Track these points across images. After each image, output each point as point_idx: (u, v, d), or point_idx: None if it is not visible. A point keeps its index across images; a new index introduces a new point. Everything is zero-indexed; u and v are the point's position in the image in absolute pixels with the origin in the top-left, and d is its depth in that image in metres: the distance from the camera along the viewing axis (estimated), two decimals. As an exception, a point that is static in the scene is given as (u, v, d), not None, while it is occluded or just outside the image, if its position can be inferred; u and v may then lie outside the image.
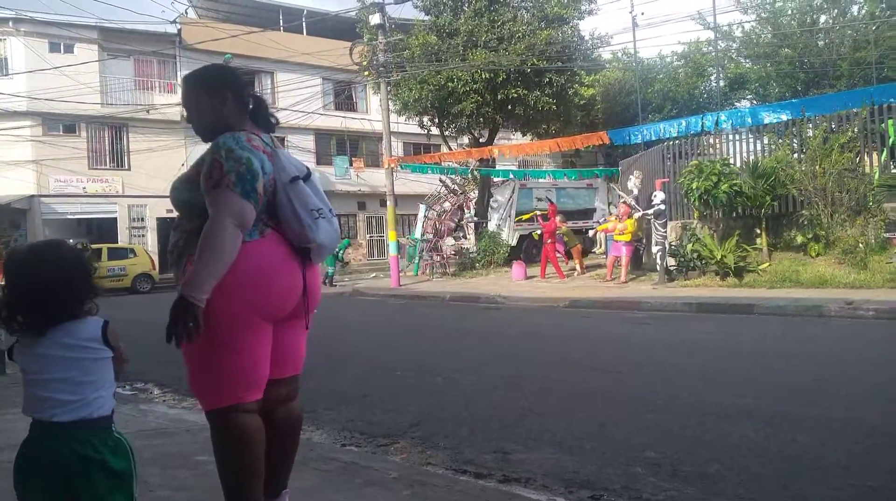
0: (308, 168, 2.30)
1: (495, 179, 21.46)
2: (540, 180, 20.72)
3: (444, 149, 23.05)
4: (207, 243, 1.97)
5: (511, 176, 20.79)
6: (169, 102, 24.84)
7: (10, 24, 22.68)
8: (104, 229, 24.40)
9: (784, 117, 12.77)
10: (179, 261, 2.15)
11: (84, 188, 23.93)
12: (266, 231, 2.13)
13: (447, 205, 20.68)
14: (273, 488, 2.29)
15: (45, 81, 21.75)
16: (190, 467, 3.23)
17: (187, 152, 24.35)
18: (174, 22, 24.99)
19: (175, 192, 2.22)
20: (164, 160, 23.13)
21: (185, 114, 2.36)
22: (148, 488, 2.94)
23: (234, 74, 2.36)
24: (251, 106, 2.30)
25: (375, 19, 17.22)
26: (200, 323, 1.92)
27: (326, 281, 18.01)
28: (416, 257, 19.72)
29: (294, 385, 2.38)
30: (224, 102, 2.22)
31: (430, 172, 21.19)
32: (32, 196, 22.95)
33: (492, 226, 19.53)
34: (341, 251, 19.78)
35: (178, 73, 25.73)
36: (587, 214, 20.71)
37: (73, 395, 1.69)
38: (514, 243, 18.95)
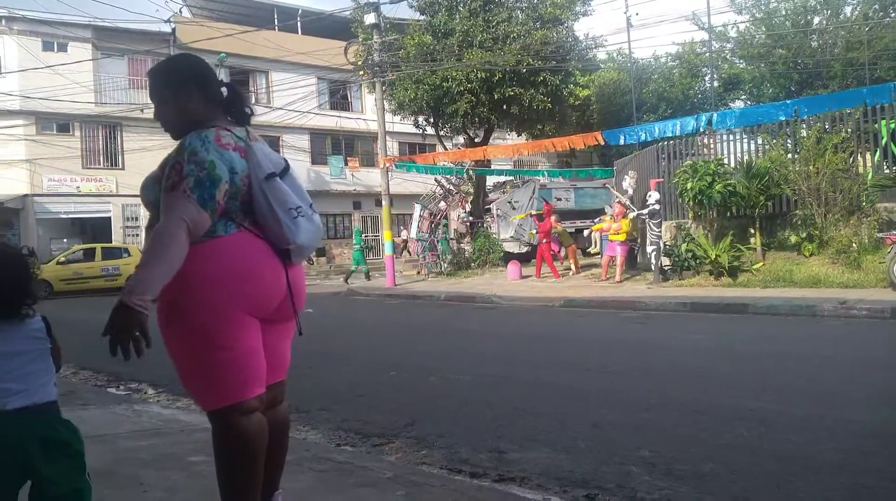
0: (285, 161, 2.19)
1: (516, 180, 21.61)
2: (559, 181, 20.78)
3: (440, 149, 23.08)
4: (154, 248, 1.87)
5: (512, 177, 20.85)
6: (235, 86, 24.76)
7: (3, 22, 22.58)
8: (98, 228, 24.31)
9: (780, 117, 12.81)
10: None
11: (78, 188, 23.84)
12: (242, 227, 2.04)
13: (442, 205, 20.69)
14: (265, 490, 2.28)
15: (38, 80, 21.66)
16: (184, 468, 3.22)
17: (182, 152, 24.30)
18: (168, 21, 24.92)
19: (144, 191, 2.14)
20: (158, 160, 21.58)
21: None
22: (142, 489, 2.93)
23: (199, 66, 2.22)
24: (224, 97, 2.18)
25: (370, 19, 17.21)
26: (147, 331, 1.80)
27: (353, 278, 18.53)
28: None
29: (281, 390, 2.30)
30: (189, 96, 2.12)
31: (426, 172, 21.19)
32: (26, 195, 22.85)
33: (513, 226, 19.48)
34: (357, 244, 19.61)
35: (173, 72, 25.65)
36: (603, 212, 20.79)
37: (23, 383, 1.82)
38: (535, 242, 19.00)
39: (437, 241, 19.71)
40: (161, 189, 1.98)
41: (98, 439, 3.82)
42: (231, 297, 1.98)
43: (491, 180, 26.61)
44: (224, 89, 2.23)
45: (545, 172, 25.67)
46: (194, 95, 2.12)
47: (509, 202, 19.86)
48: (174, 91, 2.13)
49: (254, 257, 2.04)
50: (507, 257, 17.91)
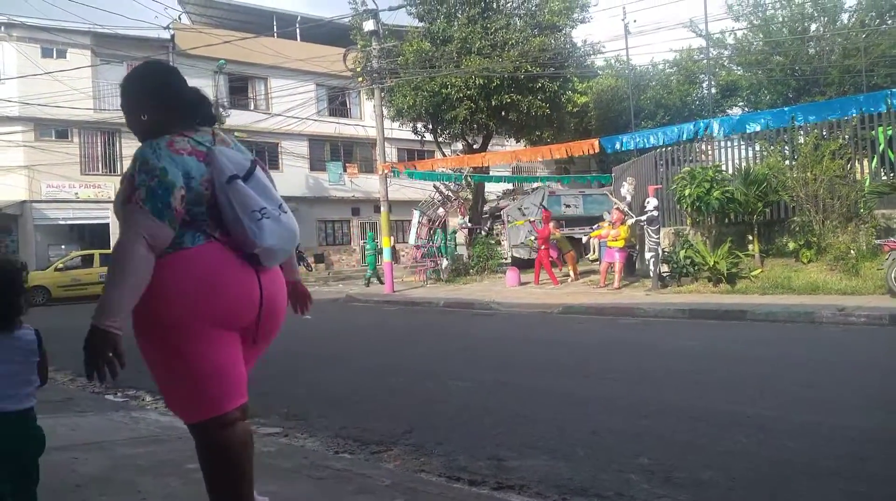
0: (253, 162, 2.13)
1: (526, 186, 21.67)
2: (568, 188, 20.90)
3: (438, 155, 23.11)
4: (114, 267, 1.86)
5: (522, 183, 20.90)
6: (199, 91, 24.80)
7: (3, 29, 22.64)
8: (96, 234, 24.30)
9: (776, 125, 12.86)
10: None
11: (76, 194, 23.84)
12: (212, 237, 2.00)
13: (441, 211, 20.71)
14: None
15: (37, 87, 21.70)
16: (182, 475, 3.21)
17: (180, 158, 24.31)
18: (168, 27, 24.99)
19: (116, 204, 2.08)
20: None
21: None
22: (140, 496, 2.92)
23: (157, 74, 2.20)
24: (189, 101, 2.16)
25: (369, 26, 17.27)
26: (122, 353, 1.81)
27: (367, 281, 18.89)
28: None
29: (246, 406, 2.19)
30: (147, 102, 2.10)
31: (424, 179, 21.23)
32: (24, 202, 22.85)
33: (523, 232, 19.52)
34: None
35: (172, 78, 25.69)
36: (602, 219, 20.90)
37: (14, 389, 2.07)
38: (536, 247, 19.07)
39: (438, 247, 19.74)
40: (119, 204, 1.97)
41: (96, 446, 3.82)
42: (197, 311, 1.94)
43: (500, 187, 26.71)
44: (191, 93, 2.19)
45: (544, 179, 25.76)
46: (151, 103, 2.10)
47: (519, 209, 19.93)
48: (134, 100, 2.13)
49: (219, 270, 1.98)
50: (516, 264, 17.95)
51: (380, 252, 18.55)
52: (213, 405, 2.00)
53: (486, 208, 24.55)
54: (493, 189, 28.59)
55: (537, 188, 21.21)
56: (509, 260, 19.34)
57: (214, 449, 2.03)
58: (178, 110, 2.11)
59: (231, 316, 2.01)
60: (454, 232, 20.87)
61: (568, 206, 19.05)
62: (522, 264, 17.11)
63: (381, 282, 18.58)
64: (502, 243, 20.10)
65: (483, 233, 21.63)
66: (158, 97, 2.11)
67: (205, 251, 1.98)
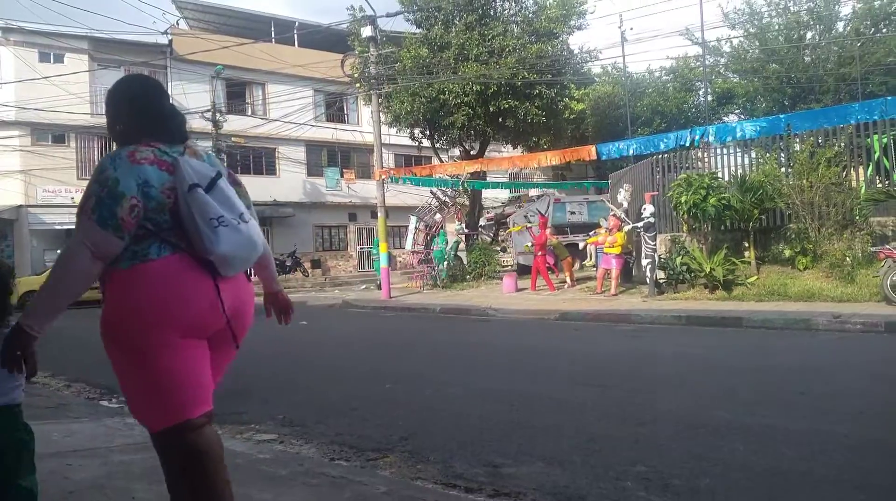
0: (218, 172, 2.16)
1: (532, 193, 21.77)
2: (575, 196, 21.04)
3: (436, 161, 23.14)
4: (55, 271, 1.94)
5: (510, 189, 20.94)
6: (175, 107, 24.78)
7: (1, 33, 22.61)
8: (92, 239, 24.19)
9: (771, 133, 12.91)
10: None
11: (72, 199, 23.71)
12: (178, 248, 2.03)
13: (438, 217, 20.74)
14: None
15: (34, 91, 21.66)
16: (177, 482, 3.19)
17: (177, 163, 24.26)
18: (165, 33, 24.99)
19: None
20: None
21: None
22: (134, 503, 2.90)
23: (137, 85, 2.28)
24: (161, 115, 2.21)
25: (367, 32, 17.30)
26: (29, 354, 1.91)
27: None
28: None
29: (209, 414, 2.17)
30: (121, 114, 2.19)
31: (421, 184, 21.26)
32: (20, 206, 22.78)
33: (528, 238, 19.61)
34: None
35: (169, 83, 25.71)
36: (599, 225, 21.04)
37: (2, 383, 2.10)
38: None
39: (441, 250, 19.75)
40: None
41: (90, 452, 3.79)
42: (162, 322, 1.97)
43: (500, 194, 26.75)
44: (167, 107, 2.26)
45: (541, 185, 25.83)
46: (125, 112, 2.19)
47: (525, 216, 20.02)
48: (112, 109, 2.23)
49: (184, 281, 2.01)
50: (522, 270, 17.99)
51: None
52: (177, 412, 2.01)
53: (491, 213, 24.60)
54: (494, 195, 28.67)
55: (543, 195, 21.39)
56: (515, 267, 19.41)
57: (178, 457, 2.04)
58: (150, 122, 2.16)
59: (196, 325, 2.04)
60: (457, 242, 20.91)
61: (573, 213, 19.20)
62: (527, 271, 17.17)
63: (380, 288, 18.62)
64: (508, 249, 20.15)
65: (489, 239, 21.70)
66: (132, 108, 2.19)
67: (170, 263, 2.02)
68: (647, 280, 12.47)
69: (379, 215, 17.50)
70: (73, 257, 1.93)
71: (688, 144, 13.88)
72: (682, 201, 12.15)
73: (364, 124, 29.22)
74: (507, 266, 20.79)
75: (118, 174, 1.97)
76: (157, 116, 2.19)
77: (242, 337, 2.25)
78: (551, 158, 17.24)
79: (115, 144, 2.20)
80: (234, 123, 25.61)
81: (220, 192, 2.12)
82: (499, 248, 21.52)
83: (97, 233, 1.92)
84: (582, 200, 20.17)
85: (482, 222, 23.32)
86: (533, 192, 25.83)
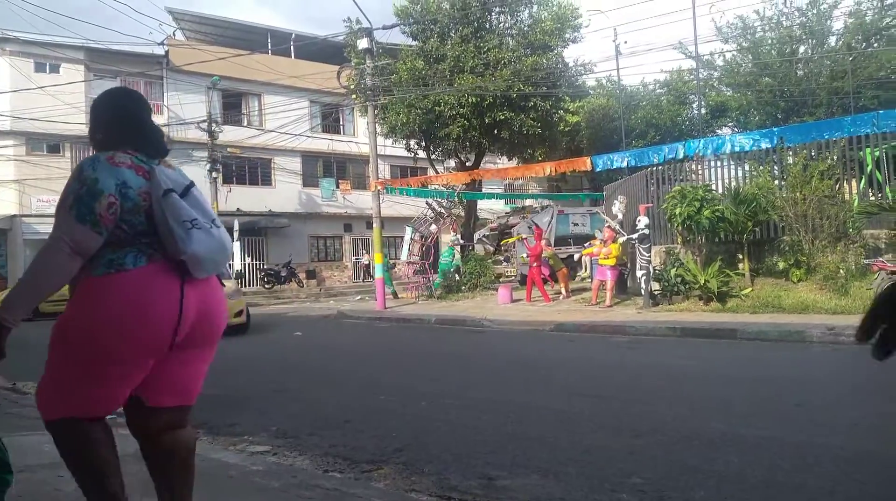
0: (190, 182, 2.27)
1: (535, 205, 21.87)
2: (578, 207, 21.20)
3: (431, 172, 23.20)
4: (33, 265, 1.99)
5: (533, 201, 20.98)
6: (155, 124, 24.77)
7: (-4, 43, 22.65)
8: (86, 249, 24.12)
9: (764, 145, 12.99)
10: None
11: (67, 208, 23.70)
12: (154, 257, 2.09)
13: (433, 228, 20.75)
14: None
15: (29, 101, 21.68)
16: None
17: (172, 173, 24.23)
18: (162, 44, 25.07)
19: None
20: None
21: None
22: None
23: (119, 97, 2.37)
24: (140, 127, 2.29)
25: (363, 44, 17.38)
26: (3, 346, 1.94)
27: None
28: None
29: (179, 415, 2.27)
30: (102, 123, 2.27)
31: (416, 195, 21.31)
32: (14, 216, 22.70)
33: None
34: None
35: (165, 94, 25.75)
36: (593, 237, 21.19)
37: None
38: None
39: (431, 264, 19.81)
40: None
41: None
42: (125, 340, 2.03)
43: (497, 205, 26.78)
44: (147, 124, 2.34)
45: (535, 197, 25.90)
46: (104, 124, 2.27)
47: (530, 227, 20.13)
48: (93, 119, 2.30)
49: (150, 298, 2.05)
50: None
51: (392, 267, 18.76)
52: (86, 410, 2.08)
53: (495, 224, 24.70)
54: (490, 206, 28.72)
55: (547, 207, 21.57)
56: (518, 277, 19.48)
57: (72, 441, 2.10)
58: (130, 134, 2.25)
59: (152, 341, 2.08)
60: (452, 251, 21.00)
61: (576, 224, 19.37)
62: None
63: (396, 296, 18.73)
64: (511, 260, 20.22)
65: (492, 249, 21.76)
66: (114, 118, 2.27)
67: (143, 274, 2.06)
68: (642, 292, 12.49)
69: (374, 225, 17.50)
70: (51, 251, 1.97)
71: (681, 157, 13.96)
72: (677, 212, 12.20)
73: (360, 135, 29.30)
74: (510, 277, 20.82)
75: (97, 174, 2.05)
76: (137, 128, 2.28)
77: (216, 339, 2.29)
78: (546, 169, 17.31)
79: (95, 150, 2.26)
80: (229, 134, 25.64)
81: (194, 198, 2.21)
82: (502, 258, 21.61)
83: (76, 227, 1.98)
84: (585, 211, 20.35)
85: (486, 232, 23.45)
86: (534, 203, 25.97)
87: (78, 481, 2.14)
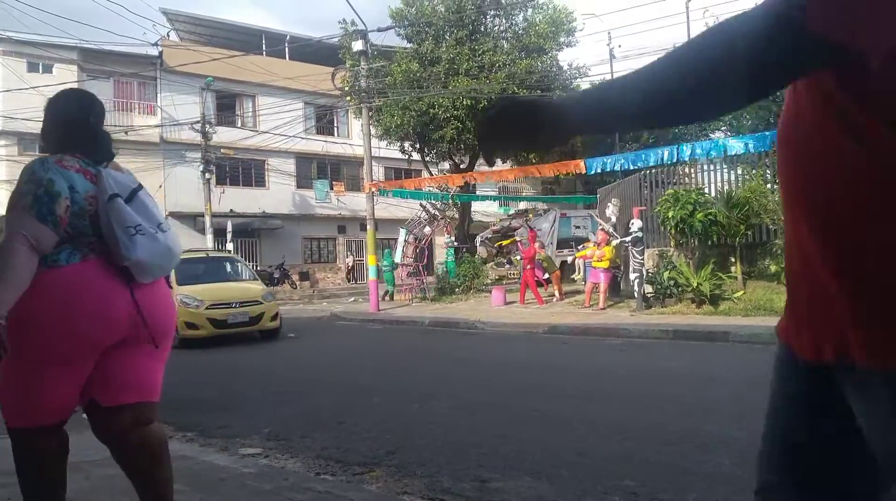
0: (138, 186, 2.30)
1: (538, 207, 21.99)
2: (580, 211, 21.37)
3: (425, 174, 23.21)
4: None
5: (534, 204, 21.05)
6: (148, 124, 24.72)
7: (-11, 42, 22.53)
8: (78, 250, 24.00)
9: (757, 149, 13.03)
10: None
11: (59, 209, 23.59)
12: (89, 256, 2.12)
13: (427, 230, 20.76)
14: None
15: (22, 101, 21.53)
16: None
17: (165, 174, 24.19)
18: (156, 44, 25.00)
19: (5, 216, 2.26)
20: (142, 181, 22.81)
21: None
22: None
23: (72, 100, 2.39)
24: (88, 131, 2.31)
25: (358, 46, 17.38)
26: (3, 342, 1.94)
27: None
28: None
29: (141, 412, 2.27)
30: (52, 128, 2.29)
31: (411, 197, 21.30)
32: (4, 216, 22.55)
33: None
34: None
35: (159, 95, 25.67)
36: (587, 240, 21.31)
37: None
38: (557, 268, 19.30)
39: (446, 265, 19.90)
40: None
41: (73, 466, 3.71)
42: (61, 338, 2.06)
43: (492, 207, 26.80)
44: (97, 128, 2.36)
45: (530, 199, 25.96)
46: (54, 122, 2.30)
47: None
48: (47, 121, 2.34)
49: (86, 289, 2.09)
50: None
51: (395, 267, 18.89)
52: (39, 418, 2.12)
53: (497, 226, 24.74)
54: (484, 209, 28.74)
55: (549, 210, 21.73)
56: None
57: (26, 453, 2.17)
58: (79, 137, 2.27)
59: (96, 336, 2.11)
60: (474, 256, 21.14)
61: (578, 227, 19.50)
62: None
63: (392, 298, 18.75)
64: (514, 262, 20.29)
65: (494, 252, 21.80)
66: (65, 120, 2.31)
67: (77, 270, 2.10)
68: (635, 294, 12.52)
69: (368, 227, 17.48)
70: (12, 249, 1.97)
71: (675, 160, 14.01)
72: (670, 216, 12.24)
73: (354, 137, 29.28)
74: (513, 278, 20.77)
75: (51, 176, 2.08)
76: (87, 132, 2.30)
77: (164, 337, 2.31)
78: (541, 171, 17.33)
79: (47, 151, 2.29)
80: (223, 135, 25.57)
81: (140, 203, 2.24)
82: (504, 260, 21.67)
83: (37, 226, 2.00)
84: (586, 215, 20.49)
85: (488, 234, 23.43)
86: (531, 206, 26.02)
87: (24, 492, 2.17)
